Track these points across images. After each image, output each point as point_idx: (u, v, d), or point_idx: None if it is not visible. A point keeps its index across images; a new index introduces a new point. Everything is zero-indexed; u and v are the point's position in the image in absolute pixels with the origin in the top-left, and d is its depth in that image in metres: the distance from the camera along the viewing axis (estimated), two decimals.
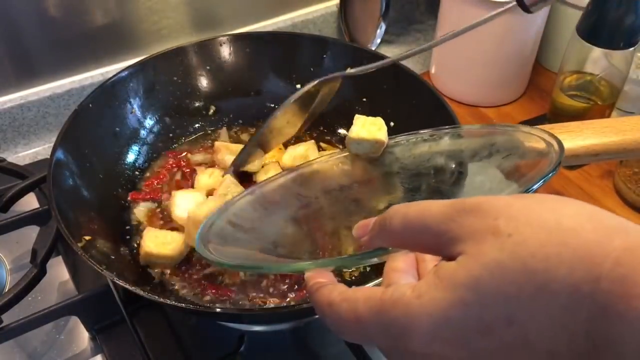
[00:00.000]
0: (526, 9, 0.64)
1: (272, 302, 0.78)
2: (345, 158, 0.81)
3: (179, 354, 0.76)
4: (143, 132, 0.97)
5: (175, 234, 0.81)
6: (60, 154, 0.79)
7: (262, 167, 0.93)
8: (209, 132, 1.03)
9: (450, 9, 1.15)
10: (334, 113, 1.02)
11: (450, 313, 0.36)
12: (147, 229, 0.82)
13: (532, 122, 1.13)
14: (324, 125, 1.03)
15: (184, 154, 0.98)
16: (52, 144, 0.80)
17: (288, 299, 0.78)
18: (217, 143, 0.95)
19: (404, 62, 0.96)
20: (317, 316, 0.79)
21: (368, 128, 0.79)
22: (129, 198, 0.90)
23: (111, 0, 1.09)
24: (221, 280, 0.80)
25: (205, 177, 0.90)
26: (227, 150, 0.92)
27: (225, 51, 1.01)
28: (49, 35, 1.07)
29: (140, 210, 0.89)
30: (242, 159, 0.88)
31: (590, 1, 0.95)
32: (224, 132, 1.02)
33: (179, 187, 0.92)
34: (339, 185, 0.78)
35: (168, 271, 0.81)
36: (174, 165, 0.96)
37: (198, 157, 0.97)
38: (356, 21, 1.35)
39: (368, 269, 0.82)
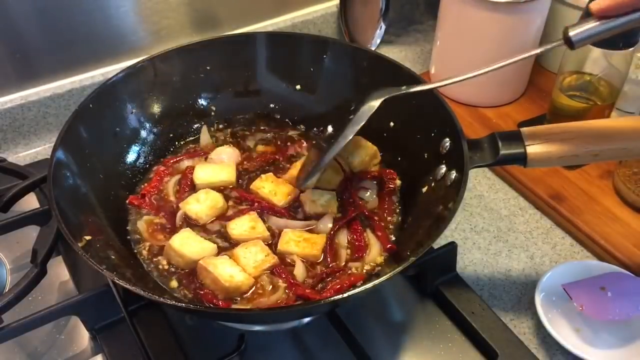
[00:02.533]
0: (571, 45, 0.66)
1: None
2: None
3: (179, 354, 0.76)
4: (143, 133, 0.97)
5: (207, 243, 0.82)
6: (60, 154, 0.79)
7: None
8: (210, 131, 1.03)
9: (449, 10, 1.15)
10: (334, 113, 1.02)
11: None
12: (184, 230, 0.84)
13: (532, 122, 1.13)
14: (325, 126, 1.03)
15: (177, 163, 0.97)
16: (52, 144, 0.80)
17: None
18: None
19: (403, 62, 0.96)
20: (316, 316, 0.80)
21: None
22: (127, 201, 0.90)
23: (111, 1, 1.09)
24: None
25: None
26: None
27: (226, 51, 1.01)
28: (49, 36, 1.07)
29: (142, 223, 0.88)
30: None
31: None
32: (204, 130, 1.01)
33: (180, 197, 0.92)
34: None
35: (170, 271, 0.82)
36: (167, 174, 0.95)
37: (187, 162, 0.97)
38: (356, 21, 1.35)
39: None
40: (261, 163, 0.97)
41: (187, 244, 0.81)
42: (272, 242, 0.85)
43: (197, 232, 0.85)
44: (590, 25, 0.65)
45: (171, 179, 0.94)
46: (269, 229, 0.87)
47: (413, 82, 0.92)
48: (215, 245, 0.83)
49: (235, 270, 0.78)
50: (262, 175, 0.93)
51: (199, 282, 0.80)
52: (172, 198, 0.92)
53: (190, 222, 0.88)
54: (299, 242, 0.84)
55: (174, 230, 0.86)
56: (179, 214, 0.88)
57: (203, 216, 0.87)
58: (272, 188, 0.91)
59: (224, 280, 0.77)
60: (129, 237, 0.86)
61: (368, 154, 0.96)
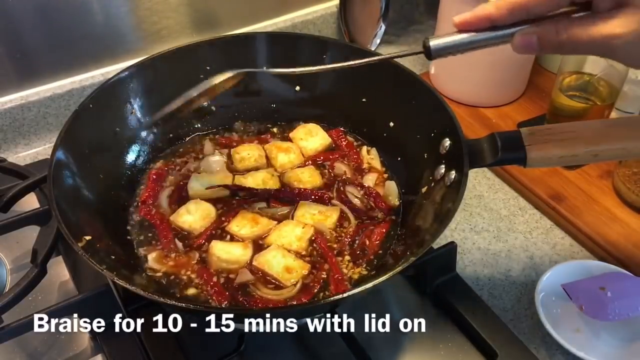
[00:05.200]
0: (429, 55, 0.66)
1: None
2: None
3: (179, 354, 0.76)
4: (143, 133, 0.97)
5: (242, 244, 0.84)
6: (60, 154, 0.79)
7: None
8: (209, 132, 1.03)
9: (449, 10, 1.15)
10: (334, 113, 1.03)
11: None
12: (214, 242, 0.84)
13: (531, 123, 1.13)
14: (326, 126, 1.04)
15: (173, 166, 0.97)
16: (52, 144, 0.80)
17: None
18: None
19: (403, 63, 0.96)
20: (316, 316, 0.80)
21: None
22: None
23: (111, 1, 1.09)
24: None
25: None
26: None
27: (226, 51, 1.01)
28: (49, 36, 1.07)
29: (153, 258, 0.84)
30: None
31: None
32: (207, 143, 1.01)
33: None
34: None
35: (170, 271, 0.82)
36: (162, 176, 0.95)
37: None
38: (356, 22, 1.35)
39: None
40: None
41: (227, 249, 0.83)
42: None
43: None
44: (451, 38, 0.64)
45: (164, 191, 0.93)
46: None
47: (413, 82, 0.93)
48: (251, 247, 0.84)
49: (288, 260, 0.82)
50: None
51: (202, 279, 0.80)
52: (166, 209, 0.90)
53: (183, 235, 0.86)
54: (314, 214, 0.87)
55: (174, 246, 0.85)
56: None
57: (197, 227, 0.86)
58: (252, 182, 0.93)
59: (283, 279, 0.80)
60: (129, 237, 0.86)
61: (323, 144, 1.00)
